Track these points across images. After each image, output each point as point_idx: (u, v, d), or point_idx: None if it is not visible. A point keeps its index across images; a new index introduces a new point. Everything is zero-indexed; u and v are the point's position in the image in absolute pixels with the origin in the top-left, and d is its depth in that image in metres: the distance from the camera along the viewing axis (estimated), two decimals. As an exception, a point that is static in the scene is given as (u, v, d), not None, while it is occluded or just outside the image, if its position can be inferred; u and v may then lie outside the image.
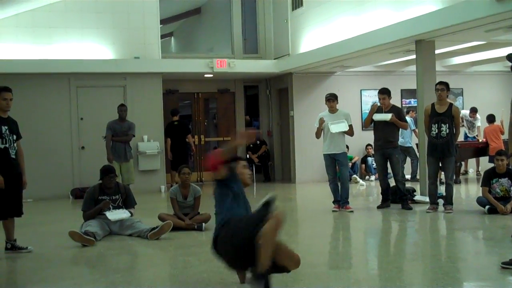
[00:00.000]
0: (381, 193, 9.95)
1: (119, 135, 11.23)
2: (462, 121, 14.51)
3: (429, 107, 9.20)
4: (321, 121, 9.60)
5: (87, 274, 6.27)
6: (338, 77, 15.18)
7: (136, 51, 14.03)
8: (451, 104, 9.13)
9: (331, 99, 9.71)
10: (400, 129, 9.96)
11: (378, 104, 9.97)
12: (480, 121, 14.63)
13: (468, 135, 14.79)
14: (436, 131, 8.95)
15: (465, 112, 14.57)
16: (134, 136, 11.60)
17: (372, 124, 9.91)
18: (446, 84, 9.05)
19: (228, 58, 14.82)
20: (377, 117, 9.76)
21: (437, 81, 9.34)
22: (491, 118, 13.81)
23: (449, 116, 8.93)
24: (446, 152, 8.95)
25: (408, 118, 13.07)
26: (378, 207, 9.79)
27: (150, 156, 13.84)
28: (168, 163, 14.09)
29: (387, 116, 9.55)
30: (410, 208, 9.49)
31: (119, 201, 8.08)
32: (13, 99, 6.95)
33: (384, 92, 9.79)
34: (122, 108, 11.47)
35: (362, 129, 14.68)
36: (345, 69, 14.74)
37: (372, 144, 13.55)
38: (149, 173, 13.90)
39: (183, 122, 14.37)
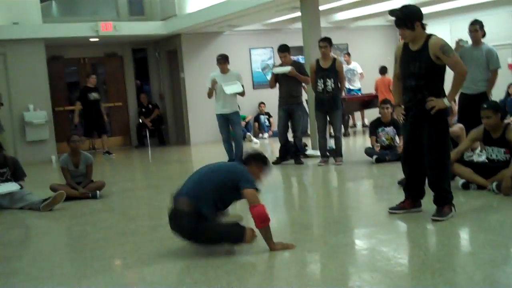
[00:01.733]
0: (279, 150, 10.05)
1: None
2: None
3: (314, 63, 9.39)
4: (214, 81, 9.58)
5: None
6: (227, 36, 15.18)
7: (14, 16, 13.32)
8: (334, 59, 9.37)
9: (222, 61, 9.70)
10: None
11: (273, 64, 9.88)
12: (360, 68, 15.01)
13: (351, 87, 14.86)
14: (322, 86, 9.17)
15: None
16: (2, 104, 11.09)
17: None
18: (328, 40, 9.27)
19: (113, 20, 14.42)
20: (276, 70, 9.78)
21: (324, 37, 9.52)
22: (383, 70, 14.15)
23: (334, 71, 9.17)
24: (332, 106, 9.21)
25: None
26: (273, 163, 9.94)
27: (38, 126, 13.33)
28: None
29: (286, 69, 9.53)
30: (302, 163, 9.73)
31: (7, 174, 7.77)
32: None
33: (284, 50, 9.74)
34: None
35: (253, 88, 14.84)
36: (234, 28, 14.75)
37: (265, 102, 13.73)
38: (37, 144, 13.41)
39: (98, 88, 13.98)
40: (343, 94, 12.09)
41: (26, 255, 5.50)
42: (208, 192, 4.72)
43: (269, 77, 9.90)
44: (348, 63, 14.80)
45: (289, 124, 9.90)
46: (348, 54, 15.04)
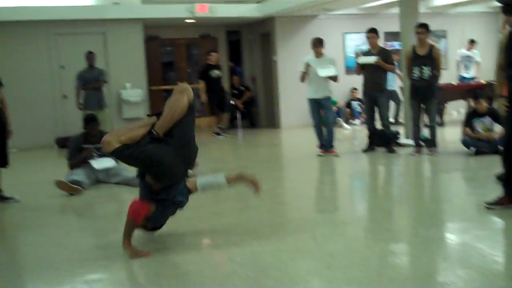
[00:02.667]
0: (368, 137, 9.97)
1: (91, 83, 11.16)
2: (459, 60, 14.46)
3: (410, 50, 9.16)
4: (307, 65, 9.54)
5: (75, 222, 6.30)
6: (321, 20, 15.03)
7: (115, -4, 13.72)
8: (432, 46, 9.09)
9: (318, 44, 9.63)
10: None
11: (360, 51, 9.84)
12: (479, 57, 14.50)
13: (465, 75, 14.42)
14: (418, 73, 8.94)
15: (461, 51, 14.50)
16: (106, 82, 11.53)
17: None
18: (426, 26, 8.99)
19: (209, 2, 14.57)
20: (361, 59, 9.71)
21: (421, 23, 9.26)
22: None
23: (430, 58, 8.91)
24: (428, 94, 8.96)
25: None
26: (364, 151, 9.84)
27: (134, 104, 13.72)
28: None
29: (372, 59, 9.48)
30: (394, 151, 9.55)
31: (104, 149, 8.03)
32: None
33: (372, 31, 9.67)
34: (90, 55, 11.37)
35: (346, 73, 14.64)
36: (328, 12, 14.58)
37: (357, 88, 13.52)
38: (133, 121, 13.80)
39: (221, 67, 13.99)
40: (456, 82, 11.80)
41: (121, 229, 5.67)
42: None
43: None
44: (469, 49, 14.40)
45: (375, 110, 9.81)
46: (473, 41, 14.51)
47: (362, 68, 9.75)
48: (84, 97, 11.21)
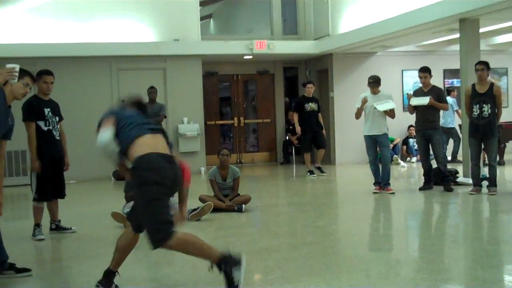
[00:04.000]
0: (423, 175, 9.81)
1: (151, 117, 11.36)
2: None
3: (469, 88, 9.04)
4: (364, 100, 9.50)
5: (130, 254, 6.32)
6: (379, 57, 14.98)
7: (176, 33, 14.05)
8: (492, 84, 8.94)
9: (374, 84, 9.58)
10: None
11: (411, 91, 9.76)
12: None
13: None
14: (478, 111, 8.78)
15: None
16: (165, 117, 11.77)
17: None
18: (486, 64, 8.86)
19: (267, 39, 14.75)
20: (415, 101, 9.61)
21: (481, 60, 9.12)
22: None
23: (491, 96, 8.75)
24: (488, 133, 8.78)
25: (450, 98, 12.85)
26: (420, 189, 9.67)
27: (190, 138, 13.92)
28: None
29: (425, 100, 9.37)
30: (452, 190, 9.34)
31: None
32: (55, 83, 7.04)
33: (425, 71, 9.62)
34: (151, 90, 11.75)
35: (404, 110, 14.48)
36: (386, 49, 14.53)
37: (414, 125, 13.38)
38: (189, 155, 13.97)
39: (318, 100, 12.88)
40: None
41: (174, 262, 5.71)
42: None
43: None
44: None
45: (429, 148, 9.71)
46: None
47: (415, 108, 9.66)
48: None
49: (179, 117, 13.95)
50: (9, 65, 4.88)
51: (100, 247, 6.40)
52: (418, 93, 9.77)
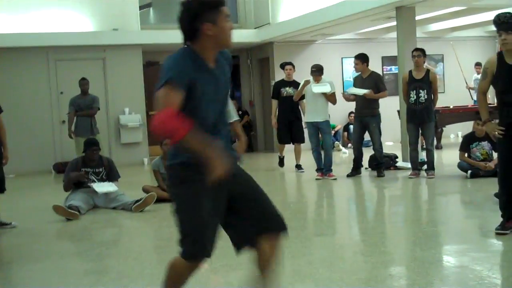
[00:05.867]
0: (353, 161, 9.90)
1: (83, 110, 11.18)
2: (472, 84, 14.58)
3: (406, 74, 9.24)
4: (306, 81, 9.55)
5: (73, 247, 6.27)
6: (319, 45, 15.13)
7: (115, 23, 13.83)
8: (428, 70, 9.20)
9: (317, 73, 9.63)
10: None
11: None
12: None
13: (475, 98, 14.58)
14: (415, 97, 9.00)
15: (474, 76, 14.68)
16: (99, 109, 11.51)
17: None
18: (422, 50, 9.08)
19: (207, 28, 14.66)
20: (352, 91, 9.74)
21: (417, 47, 9.34)
22: None
23: (427, 82, 8.98)
24: (425, 118, 9.00)
25: None
26: (348, 175, 9.76)
27: (132, 129, 13.77)
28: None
29: (362, 91, 9.48)
30: (383, 175, 9.51)
31: (103, 174, 8.05)
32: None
33: (357, 57, 9.73)
34: (83, 82, 11.36)
35: (343, 97, 14.67)
36: (326, 37, 14.69)
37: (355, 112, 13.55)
38: (131, 146, 13.85)
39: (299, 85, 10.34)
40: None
41: (118, 254, 5.67)
42: None
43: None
44: (478, 73, 14.52)
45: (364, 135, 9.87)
46: (479, 64, 14.65)
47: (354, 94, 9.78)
48: (75, 124, 11.21)
49: (120, 107, 13.77)
50: None
51: (41, 242, 6.29)
52: (358, 80, 9.90)
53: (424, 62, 9.15)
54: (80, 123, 11.16)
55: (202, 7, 2.99)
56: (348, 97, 9.94)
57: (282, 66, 10.96)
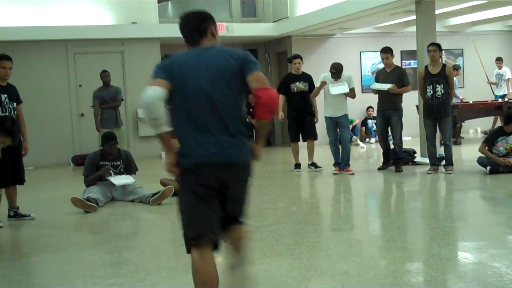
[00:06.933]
0: (382, 154, 9.94)
1: (107, 102, 11.23)
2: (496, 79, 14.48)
3: (422, 69, 9.21)
4: (323, 82, 9.51)
5: (90, 239, 6.31)
6: (337, 39, 15.07)
7: (133, 16, 13.89)
8: (444, 65, 9.16)
9: (335, 76, 9.47)
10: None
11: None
12: (510, 74, 14.58)
13: (496, 93, 14.53)
14: (431, 92, 8.94)
15: (496, 71, 14.63)
16: (123, 100, 11.60)
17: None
18: (438, 45, 9.02)
19: (226, 22, 14.68)
20: (376, 86, 9.68)
21: (437, 42, 9.27)
22: None
23: (443, 77, 8.92)
24: (442, 113, 8.94)
25: None
26: (379, 169, 9.80)
27: (150, 122, 13.79)
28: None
29: (386, 86, 9.42)
30: (401, 171, 9.45)
31: (121, 167, 8.09)
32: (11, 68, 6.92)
33: (387, 51, 9.65)
34: (105, 74, 11.40)
35: (362, 92, 14.63)
36: (345, 31, 14.62)
37: (373, 106, 13.52)
38: (149, 139, 13.86)
39: (309, 77, 10.22)
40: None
41: (136, 247, 5.70)
42: None
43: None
44: (500, 68, 14.45)
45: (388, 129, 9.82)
46: (500, 59, 14.56)
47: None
48: (101, 116, 11.26)
49: (138, 101, 13.80)
50: None
51: (59, 234, 6.34)
52: (381, 73, 9.83)
53: (440, 57, 9.09)
54: (105, 116, 11.22)
55: None
56: (375, 91, 9.82)
57: (290, 60, 10.46)
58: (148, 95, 3.36)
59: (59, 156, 13.14)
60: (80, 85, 13.49)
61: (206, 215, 3.29)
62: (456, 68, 14.57)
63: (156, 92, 3.36)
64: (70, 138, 13.44)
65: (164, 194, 7.61)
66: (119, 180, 7.87)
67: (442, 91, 8.87)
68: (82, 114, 13.43)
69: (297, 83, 10.05)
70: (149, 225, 6.93)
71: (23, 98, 7.25)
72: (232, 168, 3.34)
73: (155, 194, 7.64)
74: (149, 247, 5.56)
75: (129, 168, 8.17)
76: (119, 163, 8.09)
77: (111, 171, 7.95)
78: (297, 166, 10.26)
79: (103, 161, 8.01)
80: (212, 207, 3.31)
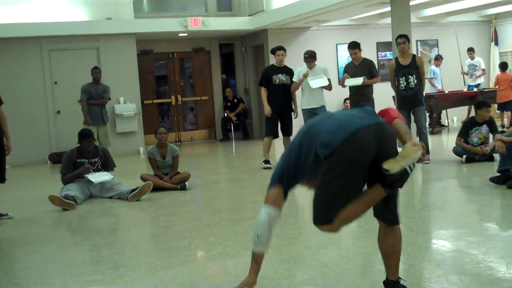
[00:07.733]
0: None
1: (95, 98, 11.20)
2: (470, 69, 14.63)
3: (393, 62, 9.34)
4: (305, 74, 9.47)
5: (69, 237, 6.28)
6: (313, 32, 15.10)
7: (108, 12, 13.77)
8: (414, 55, 9.30)
9: (310, 59, 9.60)
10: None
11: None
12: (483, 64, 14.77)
13: (471, 83, 14.67)
14: (405, 83, 9.06)
15: (467, 61, 14.76)
16: (109, 99, 11.59)
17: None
18: (406, 37, 9.18)
19: (202, 16, 14.63)
20: (349, 82, 9.71)
21: (411, 33, 9.35)
22: (504, 66, 13.75)
23: (415, 67, 9.05)
24: (416, 103, 9.08)
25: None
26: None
27: (127, 118, 13.74)
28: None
29: (359, 81, 9.46)
30: None
31: (98, 164, 8.04)
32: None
33: (354, 47, 9.69)
34: (96, 71, 11.41)
35: (339, 84, 14.67)
36: (320, 24, 14.65)
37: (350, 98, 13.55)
38: (126, 135, 13.82)
39: (291, 71, 9.93)
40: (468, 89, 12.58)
41: (115, 243, 5.68)
42: None
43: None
44: (472, 58, 14.60)
45: None
46: (472, 49, 14.70)
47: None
48: (88, 112, 11.18)
49: (115, 97, 13.70)
50: None
51: (38, 232, 6.30)
52: (350, 67, 9.88)
53: (409, 48, 9.20)
54: (92, 112, 11.16)
55: None
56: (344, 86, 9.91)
57: (273, 51, 10.01)
58: (262, 219, 3.79)
59: (36, 154, 13.01)
60: (56, 82, 13.36)
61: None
62: (437, 58, 14.72)
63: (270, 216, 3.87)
64: (46, 136, 13.31)
65: (143, 189, 7.59)
66: (96, 177, 7.83)
67: (415, 82, 8.99)
68: (59, 112, 13.31)
69: (280, 75, 9.74)
70: (128, 221, 6.91)
71: (-2, 97, 7.17)
72: None
73: (134, 190, 7.61)
74: (128, 243, 5.55)
75: (107, 164, 8.13)
76: (96, 160, 8.05)
77: (90, 169, 7.91)
78: (266, 161, 9.65)
79: (80, 159, 7.96)
80: None
